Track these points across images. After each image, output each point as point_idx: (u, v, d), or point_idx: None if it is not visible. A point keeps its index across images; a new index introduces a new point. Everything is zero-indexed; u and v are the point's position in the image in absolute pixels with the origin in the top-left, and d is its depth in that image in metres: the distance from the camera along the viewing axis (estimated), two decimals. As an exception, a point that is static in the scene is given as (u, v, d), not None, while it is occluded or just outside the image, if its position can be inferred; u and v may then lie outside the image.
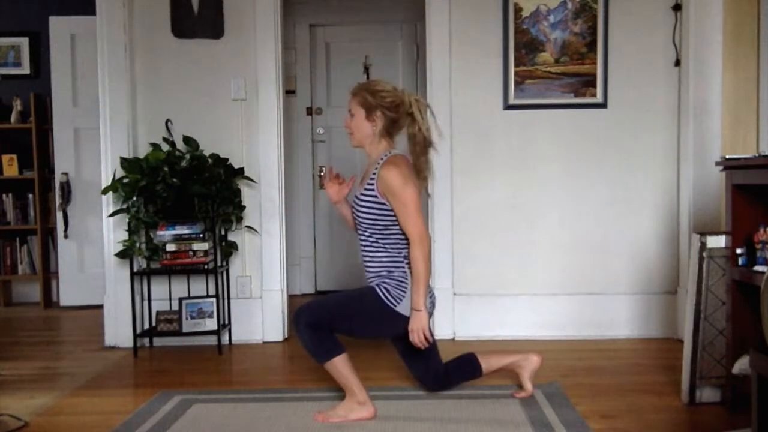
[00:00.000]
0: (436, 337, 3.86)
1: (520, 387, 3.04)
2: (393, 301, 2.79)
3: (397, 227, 2.81)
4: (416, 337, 2.78)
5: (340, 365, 2.76)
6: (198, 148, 4.02)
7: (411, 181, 2.79)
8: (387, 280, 2.82)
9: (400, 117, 2.85)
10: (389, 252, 2.83)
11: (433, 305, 2.95)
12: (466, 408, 2.88)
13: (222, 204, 3.97)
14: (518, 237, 4.13)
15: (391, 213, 2.80)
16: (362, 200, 2.84)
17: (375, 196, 2.80)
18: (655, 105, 4.06)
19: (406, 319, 2.80)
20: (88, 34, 4.99)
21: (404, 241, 2.82)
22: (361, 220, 2.85)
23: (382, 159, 2.82)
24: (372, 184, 2.81)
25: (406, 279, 2.81)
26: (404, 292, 2.80)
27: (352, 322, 2.82)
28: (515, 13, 4.04)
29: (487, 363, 3.05)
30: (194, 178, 3.87)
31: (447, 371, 3.05)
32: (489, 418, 2.76)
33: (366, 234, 2.86)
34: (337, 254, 5.75)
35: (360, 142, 2.91)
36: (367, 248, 2.87)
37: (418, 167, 2.87)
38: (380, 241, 2.83)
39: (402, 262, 2.83)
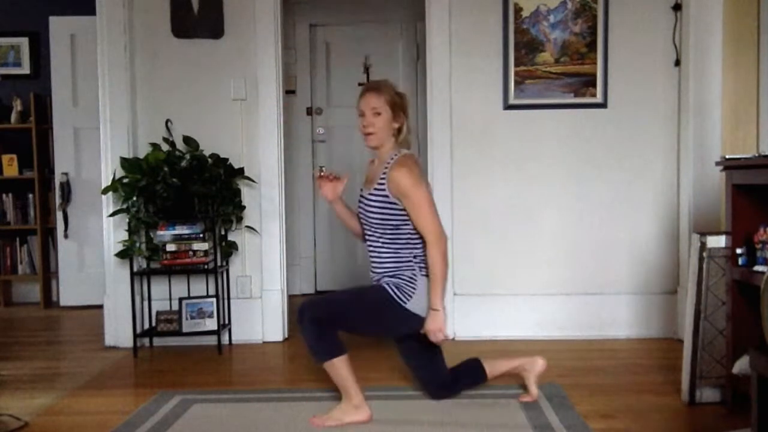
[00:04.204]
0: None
1: (525, 389, 3.01)
2: (402, 299, 2.76)
3: (409, 227, 2.79)
4: (434, 337, 2.76)
5: (340, 367, 2.73)
6: (198, 148, 4.02)
7: (422, 180, 2.81)
8: (396, 279, 2.78)
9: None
10: (399, 253, 2.80)
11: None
12: (466, 409, 2.88)
13: (222, 204, 3.97)
14: (518, 237, 4.12)
15: (403, 212, 2.77)
16: (372, 201, 2.81)
17: (386, 197, 2.77)
18: (655, 105, 4.06)
19: (415, 318, 2.78)
20: (88, 34, 4.98)
21: (415, 241, 2.80)
22: (370, 220, 2.82)
23: (391, 159, 2.80)
24: (383, 185, 2.78)
25: (416, 277, 2.79)
26: (414, 289, 2.77)
27: (359, 319, 2.80)
28: (515, 13, 4.04)
29: (492, 367, 3.01)
30: (194, 178, 3.87)
31: (453, 377, 3.00)
32: (489, 419, 2.76)
33: (376, 235, 2.83)
34: (337, 254, 5.74)
35: (381, 142, 2.84)
36: (376, 249, 2.84)
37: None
38: (390, 241, 2.80)
39: (411, 261, 2.80)
